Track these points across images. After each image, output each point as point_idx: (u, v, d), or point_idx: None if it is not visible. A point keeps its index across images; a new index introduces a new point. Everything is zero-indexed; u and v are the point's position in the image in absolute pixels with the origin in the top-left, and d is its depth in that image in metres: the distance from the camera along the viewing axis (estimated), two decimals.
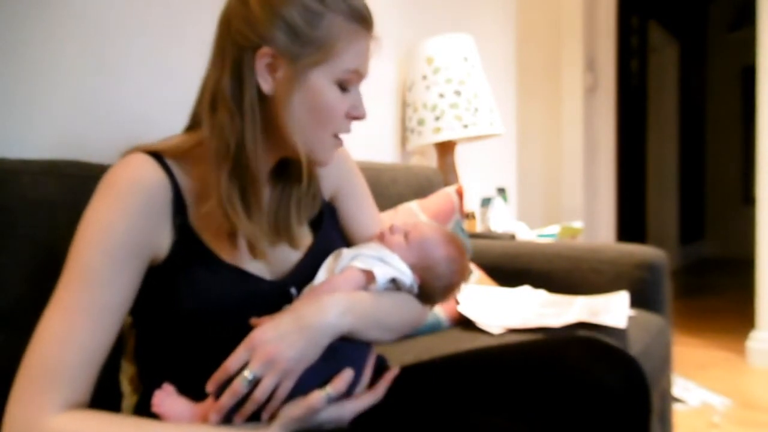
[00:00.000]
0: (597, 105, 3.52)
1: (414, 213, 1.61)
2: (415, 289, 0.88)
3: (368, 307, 0.79)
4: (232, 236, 0.81)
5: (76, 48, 1.16)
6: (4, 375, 0.74)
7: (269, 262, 0.85)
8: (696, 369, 2.70)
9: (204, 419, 0.71)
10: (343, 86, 0.80)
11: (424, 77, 2.05)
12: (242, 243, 0.82)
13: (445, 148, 2.14)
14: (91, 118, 1.19)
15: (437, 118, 2.01)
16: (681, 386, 2.41)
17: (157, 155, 0.79)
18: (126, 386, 0.90)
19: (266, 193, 0.85)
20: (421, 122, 2.05)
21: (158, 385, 0.75)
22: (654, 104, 5.37)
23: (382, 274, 0.82)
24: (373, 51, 0.83)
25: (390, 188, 1.71)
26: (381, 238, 0.91)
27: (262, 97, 0.78)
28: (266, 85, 0.77)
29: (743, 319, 3.15)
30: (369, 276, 0.82)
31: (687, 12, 5.86)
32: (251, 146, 0.77)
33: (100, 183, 0.77)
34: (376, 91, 2.03)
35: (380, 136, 2.08)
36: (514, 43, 2.88)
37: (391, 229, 0.91)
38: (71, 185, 0.95)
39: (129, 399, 0.90)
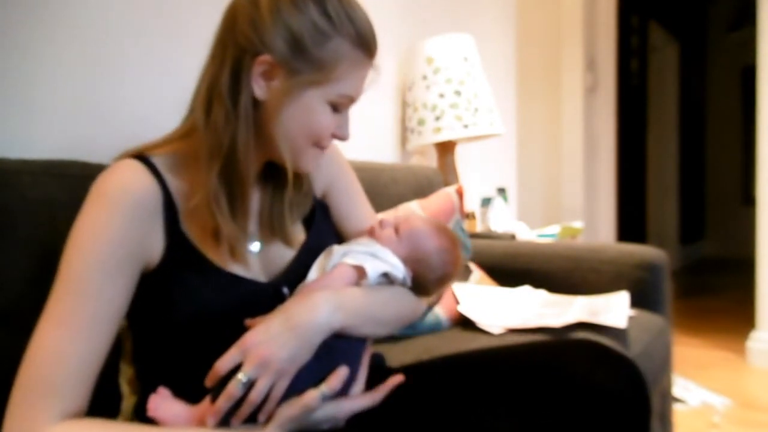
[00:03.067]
0: (597, 105, 3.52)
1: (414, 213, 1.61)
2: (409, 282, 0.88)
3: (360, 302, 0.79)
4: (222, 241, 0.81)
5: (76, 48, 1.16)
6: (4, 375, 0.74)
7: (263, 262, 0.85)
8: (696, 369, 2.70)
9: (200, 421, 0.71)
10: (334, 107, 0.80)
11: (424, 77, 2.05)
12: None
13: (445, 148, 2.14)
14: (91, 118, 1.19)
15: (437, 118, 2.01)
16: (681, 386, 2.41)
17: (146, 160, 0.79)
18: (125, 387, 0.90)
19: (256, 193, 0.86)
20: (421, 122, 2.05)
21: (154, 388, 0.75)
22: (654, 104, 5.37)
23: (373, 269, 0.82)
24: (369, 78, 0.84)
25: (390, 188, 1.70)
26: (371, 232, 0.90)
27: (255, 102, 0.77)
28: (260, 91, 0.77)
29: (743, 319, 3.15)
30: (360, 271, 0.81)
31: (687, 12, 5.86)
32: (243, 149, 0.76)
33: (89, 192, 0.76)
34: (376, 91, 2.03)
35: (380, 136, 2.08)
36: (514, 43, 2.88)
37: (381, 224, 0.90)
38: (71, 185, 0.95)
39: (128, 400, 0.90)
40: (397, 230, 0.89)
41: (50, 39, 1.12)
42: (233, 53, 0.76)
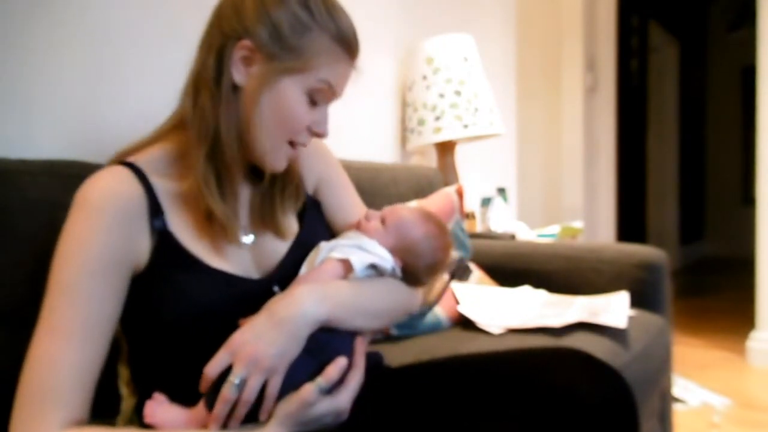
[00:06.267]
0: (597, 105, 3.52)
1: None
2: (398, 273, 0.87)
3: (346, 294, 0.79)
4: (213, 237, 0.82)
5: (76, 48, 1.16)
6: (4, 374, 0.74)
7: (257, 256, 0.85)
8: (696, 369, 2.70)
9: (198, 424, 0.72)
10: (313, 99, 0.82)
11: (424, 77, 2.05)
12: (224, 243, 0.82)
13: (445, 148, 2.14)
14: (91, 118, 1.19)
15: (437, 118, 2.01)
16: (681, 386, 2.41)
17: (131, 165, 0.80)
18: (124, 389, 0.90)
19: (247, 186, 0.88)
20: (421, 122, 2.05)
21: (151, 391, 0.75)
22: (654, 104, 5.36)
23: (359, 261, 0.82)
24: (352, 79, 0.86)
25: (390, 188, 1.70)
26: (358, 226, 0.90)
27: (236, 88, 0.80)
28: (239, 76, 0.79)
29: (743, 319, 3.15)
30: (346, 265, 0.81)
31: (687, 12, 5.86)
32: (226, 133, 0.79)
33: (73, 200, 0.77)
34: (376, 91, 2.03)
35: (380, 136, 2.08)
36: (514, 43, 2.88)
37: (367, 216, 0.91)
38: (71, 185, 0.95)
39: (128, 401, 0.90)
40: (383, 221, 0.89)
41: (50, 39, 1.12)
42: (218, 40, 0.80)
